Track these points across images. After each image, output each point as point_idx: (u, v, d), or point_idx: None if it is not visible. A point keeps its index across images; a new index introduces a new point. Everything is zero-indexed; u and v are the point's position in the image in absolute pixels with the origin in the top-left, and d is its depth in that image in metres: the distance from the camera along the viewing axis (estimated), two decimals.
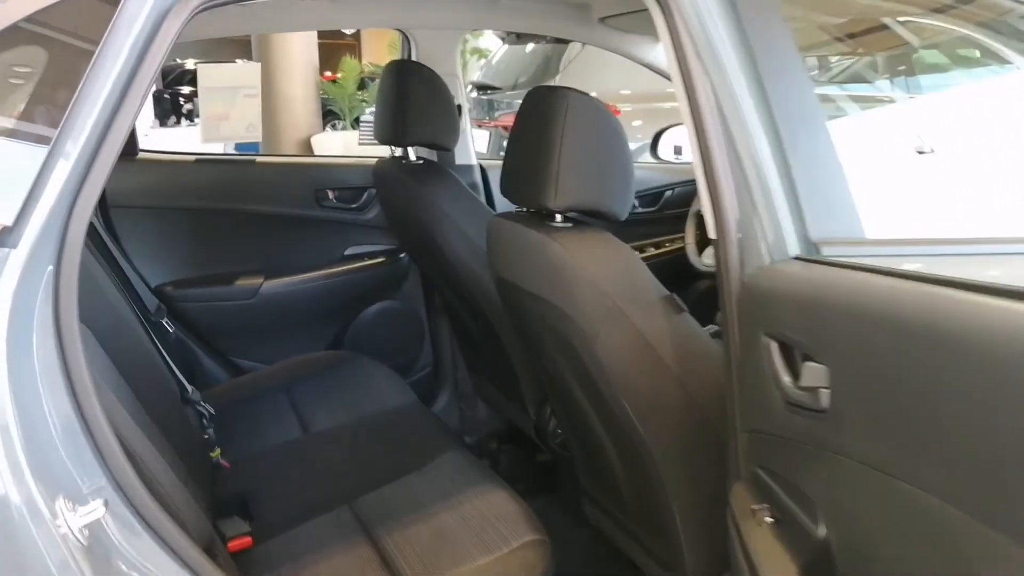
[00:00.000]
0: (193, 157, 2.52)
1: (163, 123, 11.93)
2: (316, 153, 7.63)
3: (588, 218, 1.52)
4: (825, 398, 0.98)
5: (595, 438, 1.67)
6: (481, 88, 6.04)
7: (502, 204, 2.67)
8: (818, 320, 1.03)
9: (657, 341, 1.42)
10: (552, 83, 5.02)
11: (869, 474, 0.91)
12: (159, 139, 8.51)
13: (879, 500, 0.92)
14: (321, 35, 8.87)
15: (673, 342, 1.43)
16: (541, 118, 1.45)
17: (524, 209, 1.61)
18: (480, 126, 5.56)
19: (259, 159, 2.58)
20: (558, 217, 1.49)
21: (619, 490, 1.70)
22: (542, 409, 2.11)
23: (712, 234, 1.24)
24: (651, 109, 4.80)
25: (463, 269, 2.05)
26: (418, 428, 2.02)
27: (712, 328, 2.32)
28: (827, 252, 1.15)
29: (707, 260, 2.57)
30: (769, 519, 1.15)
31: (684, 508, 1.50)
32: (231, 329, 2.51)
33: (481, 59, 8.36)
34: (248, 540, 1.60)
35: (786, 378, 1.08)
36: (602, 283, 1.40)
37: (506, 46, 6.24)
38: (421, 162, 2.25)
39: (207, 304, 2.46)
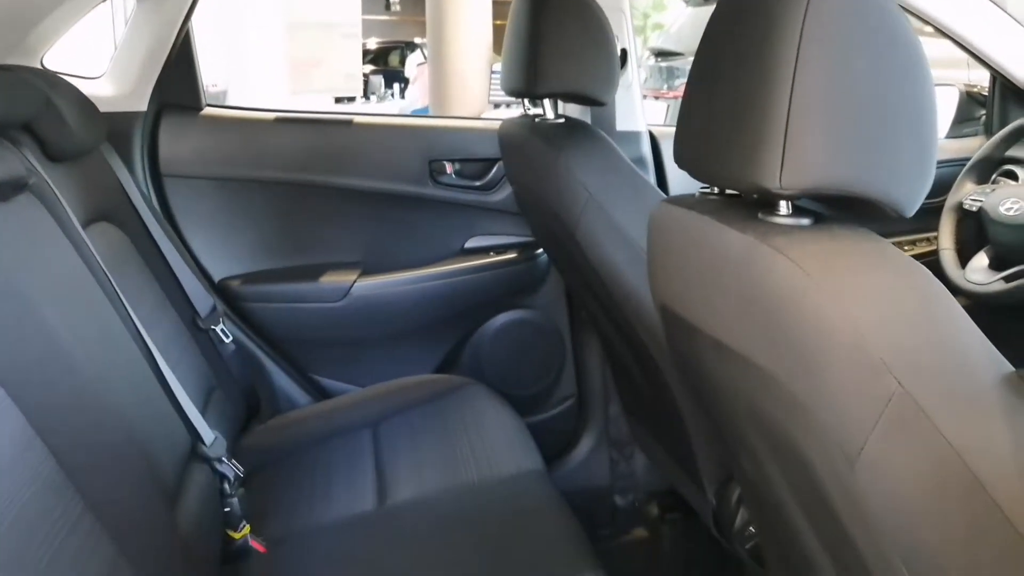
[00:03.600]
0: (273, 115, 1.95)
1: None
2: None
3: (836, 212, 0.81)
4: None
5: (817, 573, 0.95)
6: (660, 54, 5.27)
7: (680, 187, 1.96)
8: None
9: (986, 466, 0.68)
10: None
11: None
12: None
13: None
14: (498, 15, 8.37)
15: (1022, 470, 0.69)
16: (755, 27, 0.75)
17: (715, 190, 0.91)
18: (657, 98, 4.82)
19: (358, 119, 1.98)
20: (783, 206, 0.78)
21: None
22: (727, 490, 1.40)
23: None
24: None
25: (613, 281, 1.36)
26: (535, 522, 1.36)
27: None
28: None
29: (974, 276, 1.78)
30: None
31: None
32: (313, 339, 1.94)
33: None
34: None
35: None
36: (878, 345, 0.67)
37: (691, 8, 5.44)
38: (561, 120, 1.58)
39: (283, 306, 1.89)
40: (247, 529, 1.34)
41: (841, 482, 0.72)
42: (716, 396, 0.94)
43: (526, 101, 1.66)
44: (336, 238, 1.96)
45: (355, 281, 1.89)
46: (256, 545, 1.35)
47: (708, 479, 1.44)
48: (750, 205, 0.82)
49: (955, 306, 0.71)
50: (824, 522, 0.81)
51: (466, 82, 7.88)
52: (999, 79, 2.03)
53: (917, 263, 0.73)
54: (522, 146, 1.59)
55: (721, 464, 1.40)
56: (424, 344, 2.01)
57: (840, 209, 0.80)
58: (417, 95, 9.13)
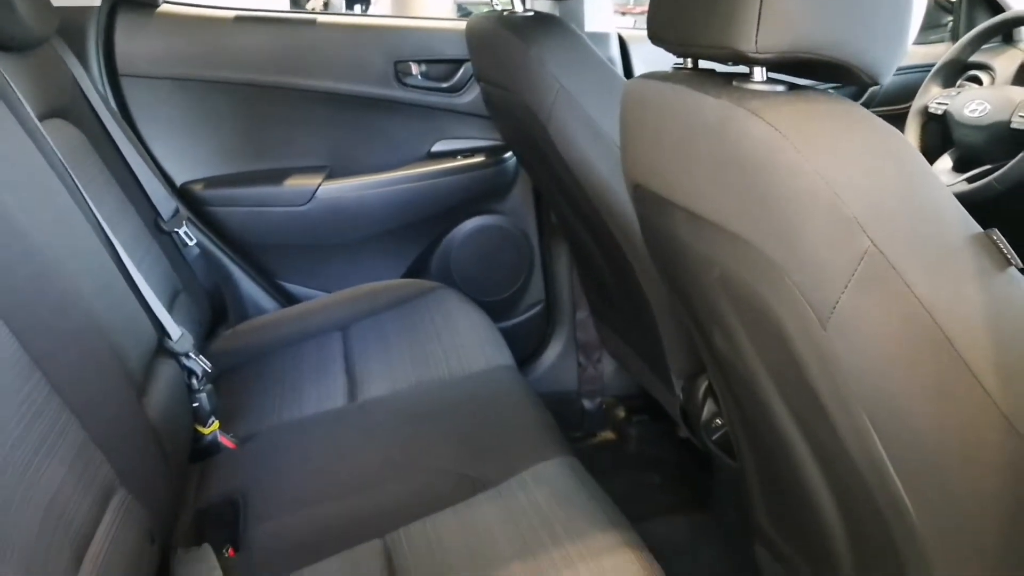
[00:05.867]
0: (233, 13, 1.88)
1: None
2: None
3: (811, 80, 0.81)
4: None
5: (786, 455, 0.97)
6: None
7: None
8: None
9: (954, 323, 0.69)
10: None
11: None
12: None
13: None
14: None
15: (988, 326, 0.70)
16: None
17: (688, 63, 0.90)
18: (624, 13, 4.74)
19: (321, 19, 1.92)
20: (758, 73, 0.78)
21: (830, 548, 1.00)
22: (694, 384, 1.43)
23: None
24: None
25: (584, 175, 1.35)
26: (506, 413, 1.37)
27: None
28: None
29: (939, 178, 1.80)
30: None
31: None
32: (278, 244, 1.91)
33: None
34: None
35: None
36: (851, 204, 0.68)
37: None
38: (531, 13, 1.54)
39: (247, 210, 1.86)
40: (216, 425, 1.34)
41: (813, 342, 0.73)
42: (689, 272, 0.95)
43: None
44: (300, 141, 1.92)
45: (320, 184, 1.86)
46: (225, 441, 1.35)
47: (676, 374, 1.46)
48: (725, 76, 0.81)
49: (927, 167, 0.71)
50: (794, 388, 0.82)
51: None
52: None
53: (891, 126, 0.73)
54: (491, 41, 1.56)
55: (689, 357, 1.42)
56: (391, 250, 2.00)
57: (817, 73, 0.79)
58: None
